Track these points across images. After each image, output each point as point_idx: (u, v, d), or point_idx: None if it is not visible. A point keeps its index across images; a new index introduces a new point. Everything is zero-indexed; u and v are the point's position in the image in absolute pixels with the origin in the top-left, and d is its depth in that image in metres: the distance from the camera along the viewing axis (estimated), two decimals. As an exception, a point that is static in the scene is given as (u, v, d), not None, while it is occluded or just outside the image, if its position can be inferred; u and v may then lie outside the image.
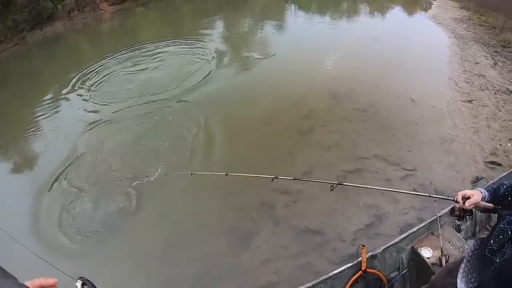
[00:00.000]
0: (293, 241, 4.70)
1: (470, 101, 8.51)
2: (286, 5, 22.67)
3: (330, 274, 3.16)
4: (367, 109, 8.01)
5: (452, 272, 2.11)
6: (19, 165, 7.55)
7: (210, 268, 4.53)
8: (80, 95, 10.03)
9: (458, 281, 1.93)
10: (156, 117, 8.21)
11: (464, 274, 1.93)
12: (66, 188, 6.32)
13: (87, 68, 11.78)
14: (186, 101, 8.88)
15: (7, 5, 16.57)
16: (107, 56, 12.78)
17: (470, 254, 1.94)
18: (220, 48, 12.84)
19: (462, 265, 1.97)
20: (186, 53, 12.30)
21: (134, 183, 6.12)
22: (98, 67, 11.82)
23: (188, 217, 5.33)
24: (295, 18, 18.85)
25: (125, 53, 12.97)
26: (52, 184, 6.45)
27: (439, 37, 13.89)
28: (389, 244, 3.42)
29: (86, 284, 0.73)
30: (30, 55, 14.94)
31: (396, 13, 19.85)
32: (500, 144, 6.83)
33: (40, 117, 9.19)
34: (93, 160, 7.00)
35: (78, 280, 0.70)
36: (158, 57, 12.16)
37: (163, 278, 4.51)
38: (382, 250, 3.38)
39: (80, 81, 10.92)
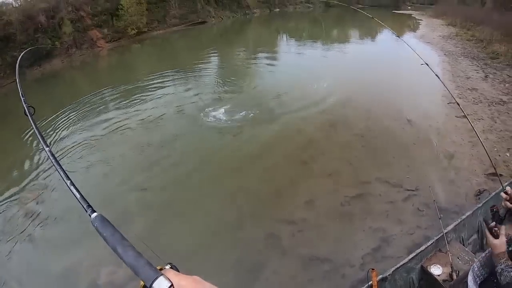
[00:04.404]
0: (301, 270, 4.66)
1: (465, 116, 8.64)
2: (278, 35, 23.31)
3: None
4: (364, 134, 8.17)
5: (467, 275, 2.16)
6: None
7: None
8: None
9: (469, 277, 2.04)
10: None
11: (475, 271, 2.02)
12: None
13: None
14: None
15: (6, 41, 16.93)
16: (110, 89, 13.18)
17: (483, 255, 2.03)
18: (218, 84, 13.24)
19: (474, 265, 2.07)
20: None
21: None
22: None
23: (194, 252, 5.30)
24: (286, 47, 19.30)
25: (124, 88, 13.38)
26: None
27: (429, 56, 14.21)
28: (398, 265, 3.44)
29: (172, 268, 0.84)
30: (28, 92, 15.11)
31: (385, 36, 20.36)
32: (499, 155, 6.92)
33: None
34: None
35: (168, 264, 0.82)
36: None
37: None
38: (392, 272, 3.39)
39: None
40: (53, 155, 0.92)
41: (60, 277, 5.09)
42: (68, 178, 0.87)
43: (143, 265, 0.72)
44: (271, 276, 4.66)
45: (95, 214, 0.83)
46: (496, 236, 1.89)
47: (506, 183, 2.35)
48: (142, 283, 0.78)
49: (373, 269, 3.30)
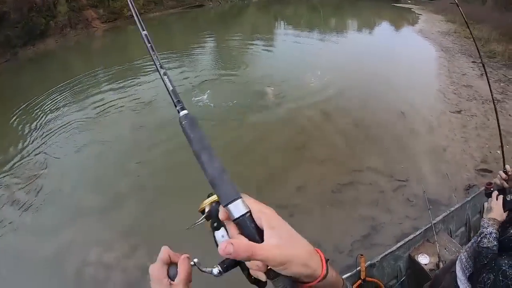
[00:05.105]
0: None
1: (459, 112, 8.72)
2: (276, 21, 23.11)
3: None
4: (358, 124, 8.18)
5: (454, 264, 2.17)
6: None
7: None
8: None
9: (457, 267, 2.04)
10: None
11: (462, 262, 2.04)
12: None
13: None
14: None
15: (-1, 20, 16.59)
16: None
17: (470, 245, 2.02)
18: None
19: (461, 255, 2.06)
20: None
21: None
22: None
23: (184, 234, 5.28)
24: (284, 34, 19.16)
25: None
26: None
27: (426, 51, 14.27)
28: (386, 253, 3.48)
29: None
30: (21, 71, 14.84)
31: (384, 28, 20.33)
32: (490, 152, 7.00)
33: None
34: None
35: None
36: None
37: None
38: (380, 259, 3.42)
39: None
40: (149, 40, 0.83)
41: (49, 259, 5.08)
42: (162, 67, 0.79)
43: (226, 181, 0.66)
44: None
45: (185, 111, 0.75)
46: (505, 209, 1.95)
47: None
48: (205, 203, 0.76)
49: (361, 255, 3.33)
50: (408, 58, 13.17)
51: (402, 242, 3.56)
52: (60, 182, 6.81)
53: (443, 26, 18.80)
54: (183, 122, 0.73)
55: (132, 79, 11.93)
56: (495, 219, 1.90)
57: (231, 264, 0.73)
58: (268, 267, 0.61)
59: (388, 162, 6.73)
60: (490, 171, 6.34)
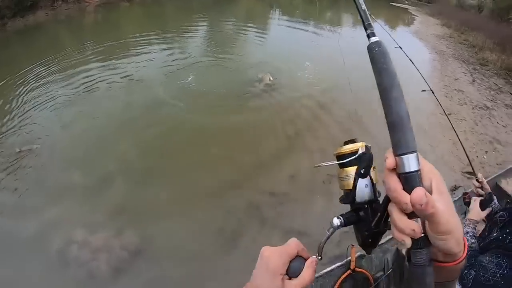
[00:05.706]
0: (280, 242, 4.64)
1: (449, 115, 8.85)
2: (271, 10, 22.96)
3: (321, 272, 3.20)
4: (351, 116, 8.20)
5: None
6: None
7: (196, 269, 4.52)
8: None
9: None
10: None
11: None
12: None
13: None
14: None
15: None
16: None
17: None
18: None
19: None
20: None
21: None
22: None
23: (174, 217, 5.27)
24: (278, 25, 19.06)
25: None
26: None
27: (421, 52, 14.36)
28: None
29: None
30: (10, 43, 14.31)
31: (379, 26, 20.35)
32: (477, 156, 7.16)
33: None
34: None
35: None
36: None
37: (144, 279, 4.48)
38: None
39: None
40: None
41: (33, 237, 4.97)
42: None
43: (410, 128, 0.61)
44: (250, 245, 4.71)
45: (376, 38, 0.66)
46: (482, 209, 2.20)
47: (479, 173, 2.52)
48: (348, 148, 0.74)
49: (352, 246, 3.36)
50: (402, 58, 13.19)
51: (390, 236, 3.59)
52: (45, 159, 6.63)
53: (438, 29, 18.99)
54: (375, 49, 0.65)
55: (123, 55, 11.67)
56: (471, 219, 2.12)
57: (352, 218, 0.76)
58: (422, 234, 0.57)
59: (380, 156, 6.74)
60: (476, 175, 6.47)
